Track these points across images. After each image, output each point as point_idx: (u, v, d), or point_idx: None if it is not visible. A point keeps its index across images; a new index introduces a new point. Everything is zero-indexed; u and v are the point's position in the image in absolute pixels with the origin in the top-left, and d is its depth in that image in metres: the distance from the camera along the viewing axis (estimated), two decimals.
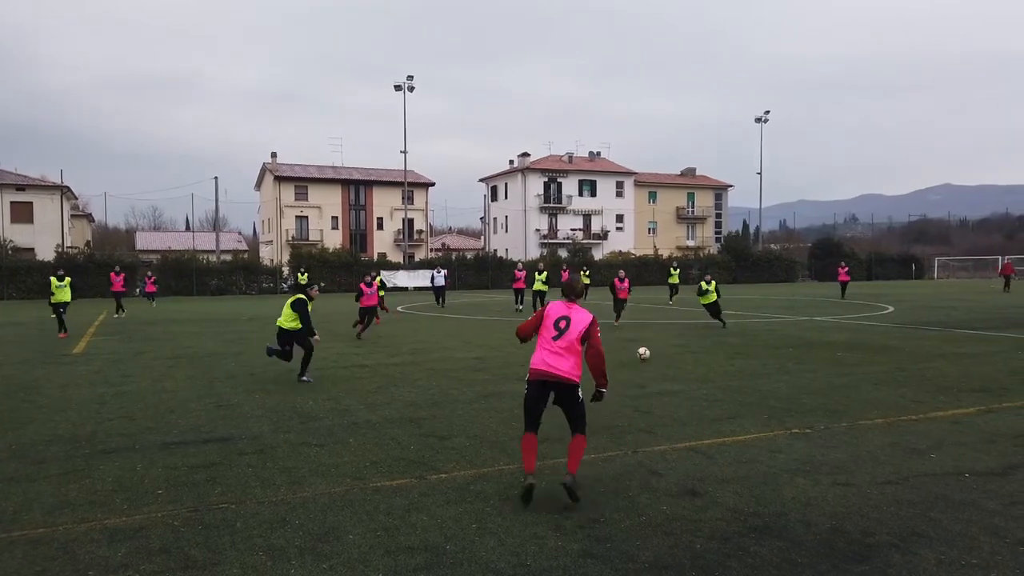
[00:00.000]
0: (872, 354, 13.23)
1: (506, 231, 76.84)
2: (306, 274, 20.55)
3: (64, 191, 60.76)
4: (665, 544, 4.41)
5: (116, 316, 25.38)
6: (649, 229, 78.71)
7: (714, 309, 18.52)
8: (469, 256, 62.57)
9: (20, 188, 58.65)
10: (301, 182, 70.48)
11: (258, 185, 78.76)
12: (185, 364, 12.89)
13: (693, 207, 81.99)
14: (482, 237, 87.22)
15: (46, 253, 50.33)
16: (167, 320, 24.09)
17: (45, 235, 56.07)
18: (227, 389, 10.23)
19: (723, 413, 8.20)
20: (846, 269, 35.03)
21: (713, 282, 18.62)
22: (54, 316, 19.42)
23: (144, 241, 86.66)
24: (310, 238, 67.81)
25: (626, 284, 20.21)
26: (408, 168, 58.05)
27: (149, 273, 33.88)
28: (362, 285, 17.50)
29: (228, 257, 58.02)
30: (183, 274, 47.51)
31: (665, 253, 66.08)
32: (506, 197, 77.34)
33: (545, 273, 24.03)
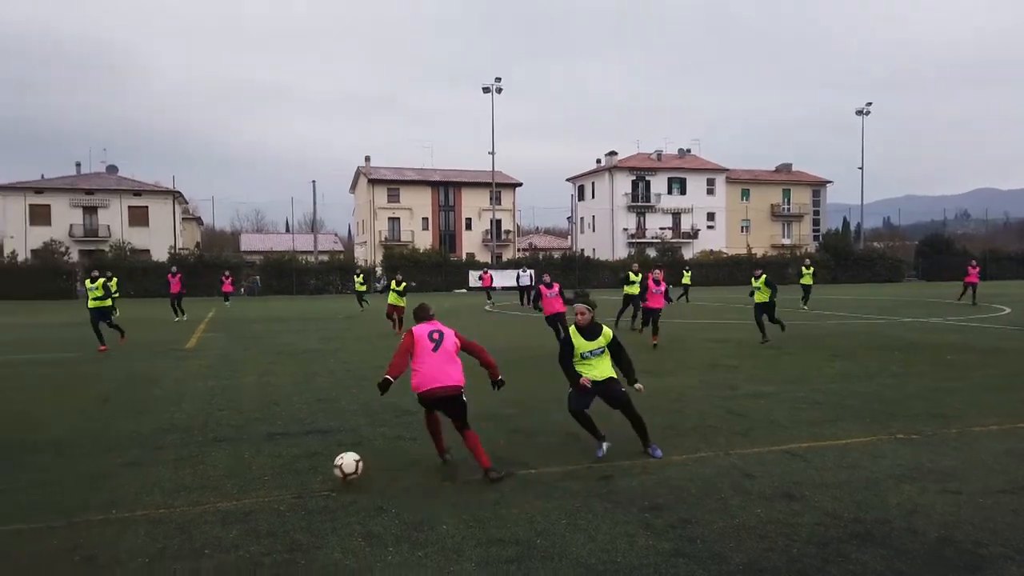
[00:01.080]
0: (986, 357, 12.43)
1: (593, 230, 76.43)
2: (403, 284, 19.20)
3: (176, 196, 64.72)
4: (759, 547, 4.32)
5: (176, 319, 23.74)
6: (742, 227, 76.51)
7: (769, 310, 15.35)
8: (556, 256, 62.66)
9: (137, 193, 62.90)
10: (393, 185, 72.39)
11: (353, 188, 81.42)
12: (287, 360, 13.51)
13: (789, 204, 79.14)
14: (569, 237, 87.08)
15: (160, 254, 53.76)
16: (269, 318, 25.27)
17: (159, 237, 59.88)
18: (326, 384, 10.66)
19: (821, 416, 7.92)
20: (977, 270, 27.64)
21: (763, 276, 15.80)
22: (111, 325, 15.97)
23: (248, 243, 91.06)
24: (401, 239, 69.56)
25: (662, 288, 15.54)
26: (496, 169, 58.65)
27: (226, 273, 35.19)
28: (541, 287, 15.00)
29: (325, 258, 60.32)
30: (284, 274, 49.72)
31: (759, 252, 64.08)
32: (593, 196, 76.93)
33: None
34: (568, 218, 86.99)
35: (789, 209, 79.09)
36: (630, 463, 6.11)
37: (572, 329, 6.23)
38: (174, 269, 25.00)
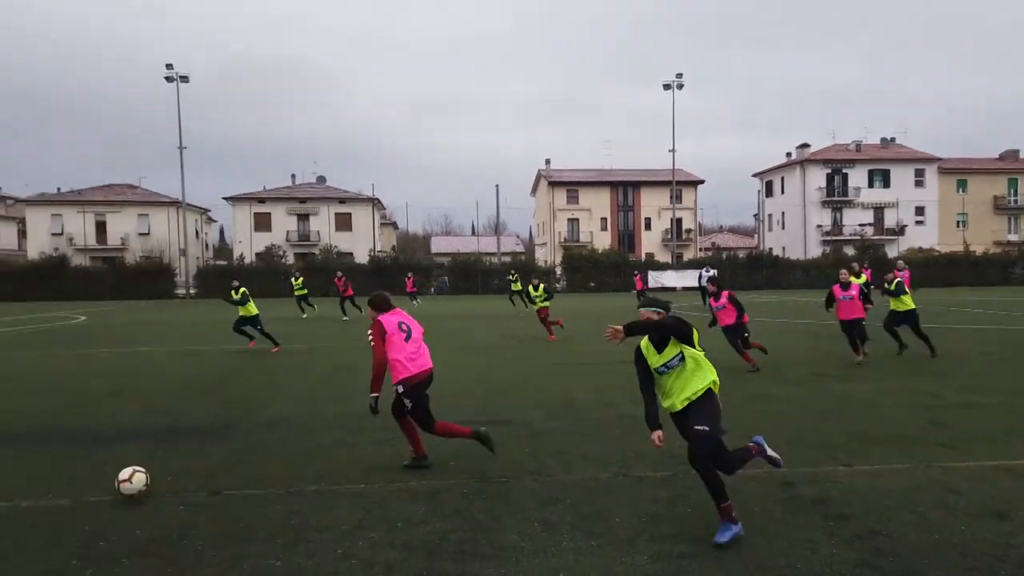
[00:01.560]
0: None
1: (783, 228, 72.34)
2: (540, 286, 18.43)
3: (375, 203, 70.06)
4: (961, 565, 3.98)
5: (345, 319, 23.85)
6: (958, 222, 68.73)
7: (911, 320, 12.47)
8: (741, 255, 60.11)
9: (342, 201, 68.84)
10: (572, 186, 73.23)
11: (533, 191, 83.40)
12: (470, 354, 14.23)
13: (1016, 195, 69.92)
14: (756, 235, 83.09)
15: (362, 256, 58.40)
16: (455, 316, 26.64)
17: (360, 241, 65.10)
18: (505, 377, 11.13)
19: None
20: None
21: (905, 272, 12.98)
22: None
23: (437, 245, 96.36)
24: (580, 239, 70.16)
25: (853, 292, 11.91)
26: (676, 167, 57.41)
27: (409, 274, 37.19)
28: (711, 301, 12.06)
29: (507, 259, 62.38)
30: (469, 274, 52.11)
31: (978, 249, 57.27)
32: (783, 192, 72.81)
33: (542, 287, 18.27)
34: (755, 215, 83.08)
35: (1016, 201, 69.88)
36: (813, 470, 5.84)
37: (644, 341, 4.79)
38: (339, 274, 26.67)
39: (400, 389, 6.02)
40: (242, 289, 16.05)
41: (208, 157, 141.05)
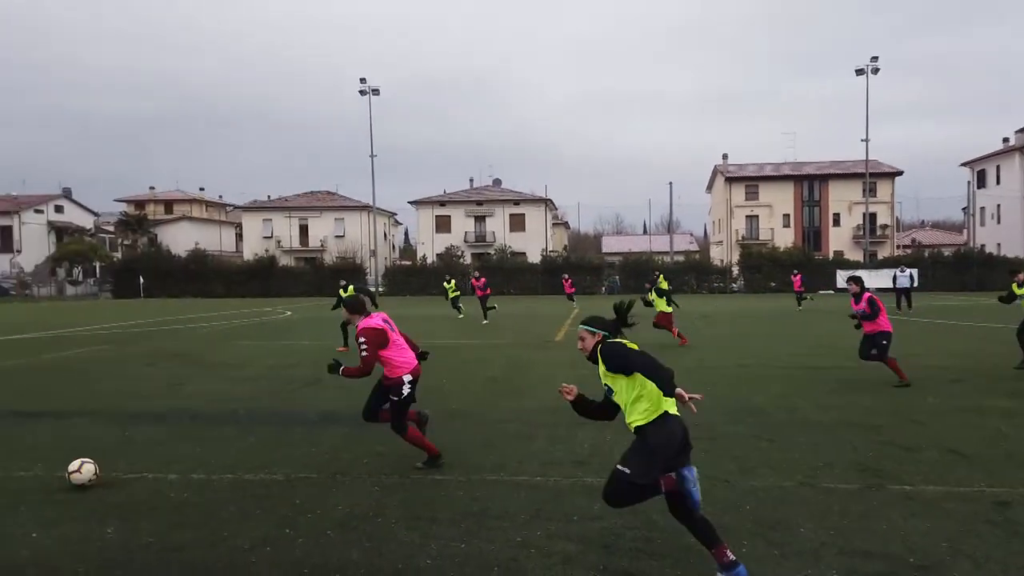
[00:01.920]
0: None
1: (997, 222, 64.40)
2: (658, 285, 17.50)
3: (547, 203, 71.26)
4: None
5: (484, 322, 23.31)
6: None
7: None
8: (947, 253, 54.37)
9: (516, 203, 70.71)
10: (751, 181, 69.98)
11: (709, 187, 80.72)
12: None
13: None
14: (964, 231, 74.73)
15: (534, 256, 59.63)
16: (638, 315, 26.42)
17: (533, 241, 66.48)
18: (682, 379, 10.89)
19: None
20: None
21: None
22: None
23: (608, 245, 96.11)
24: (760, 237, 66.89)
25: (864, 304, 10.27)
26: (870, 158, 53.01)
27: (565, 275, 37.09)
28: (852, 303, 10.59)
29: (681, 258, 60.90)
30: (641, 274, 51.40)
31: None
32: (998, 182, 64.80)
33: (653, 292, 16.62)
34: (963, 209, 74.74)
35: None
36: (1010, 491, 5.20)
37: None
38: (476, 274, 26.35)
39: (409, 379, 6.07)
40: (351, 288, 16.23)
41: (395, 164, 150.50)
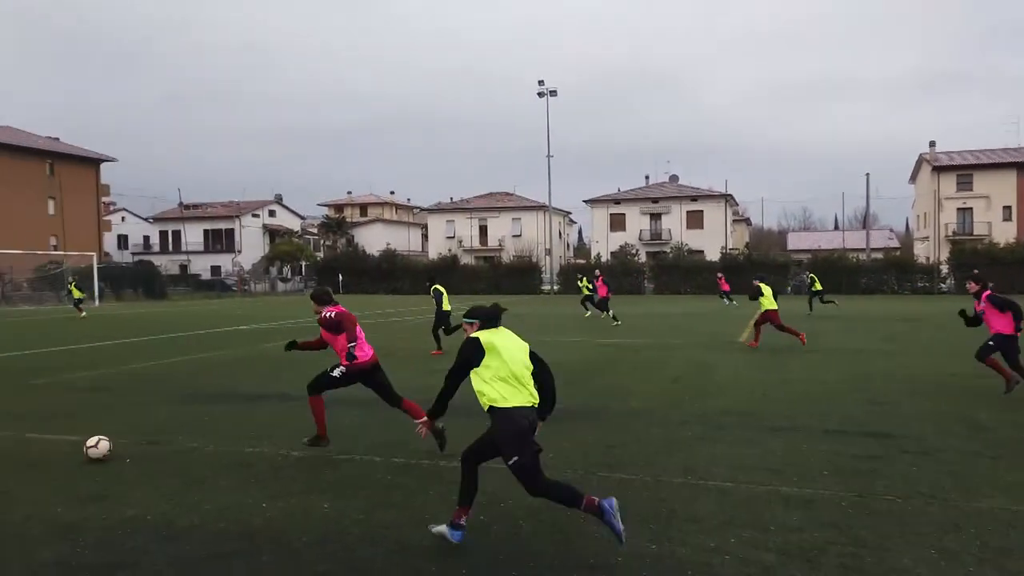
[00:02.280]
0: None
1: None
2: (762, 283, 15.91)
3: (727, 199, 68.57)
4: None
5: (615, 323, 21.67)
6: None
7: None
8: None
9: (693, 199, 68.73)
10: (964, 170, 62.82)
11: (912, 178, 73.56)
12: (838, 359, 13.16)
13: None
14: None
15: (713, 254, 57.65)
16: (823, 316, 24.79)
17: (711, 238, 64.27)
18: (882, 387, 10.07)
19: None
20: None
21: None
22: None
23: (794, 241, 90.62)
24: (975, 232, 59.90)
25: (985, 302, 9.24)
26: None
27: (720, 274, 34.86)
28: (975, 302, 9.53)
29: (879, 255, 56.04)
30: (831, 272, 47.95)
31: None
32: None
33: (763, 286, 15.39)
34: None
35: None
36: None
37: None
38: (597, 272, 25.41)
39: (344, 369, 6.70)
40: (434, 287, 15.95)
41: (570, 163, 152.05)
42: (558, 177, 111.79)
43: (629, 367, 12.64)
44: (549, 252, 61.26)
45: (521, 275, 55.19)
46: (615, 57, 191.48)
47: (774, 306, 15.13)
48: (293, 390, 10.25)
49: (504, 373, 4.39)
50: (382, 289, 57.49)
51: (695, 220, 67.81)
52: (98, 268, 44.22)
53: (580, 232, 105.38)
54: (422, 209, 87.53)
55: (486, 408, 4.39)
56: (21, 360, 14.44)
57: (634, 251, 58.90)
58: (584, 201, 72.42)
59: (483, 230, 74.90)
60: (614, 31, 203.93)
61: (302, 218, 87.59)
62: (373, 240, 75.97)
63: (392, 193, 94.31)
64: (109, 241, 71.88)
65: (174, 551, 4.37)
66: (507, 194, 78.73)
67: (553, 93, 52.93)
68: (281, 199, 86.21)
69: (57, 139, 64.84)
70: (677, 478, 5.78)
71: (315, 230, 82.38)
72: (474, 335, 4.59)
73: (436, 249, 71.33)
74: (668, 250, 59.27)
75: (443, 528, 4.45)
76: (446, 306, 15.16)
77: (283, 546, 4.43)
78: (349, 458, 6.51)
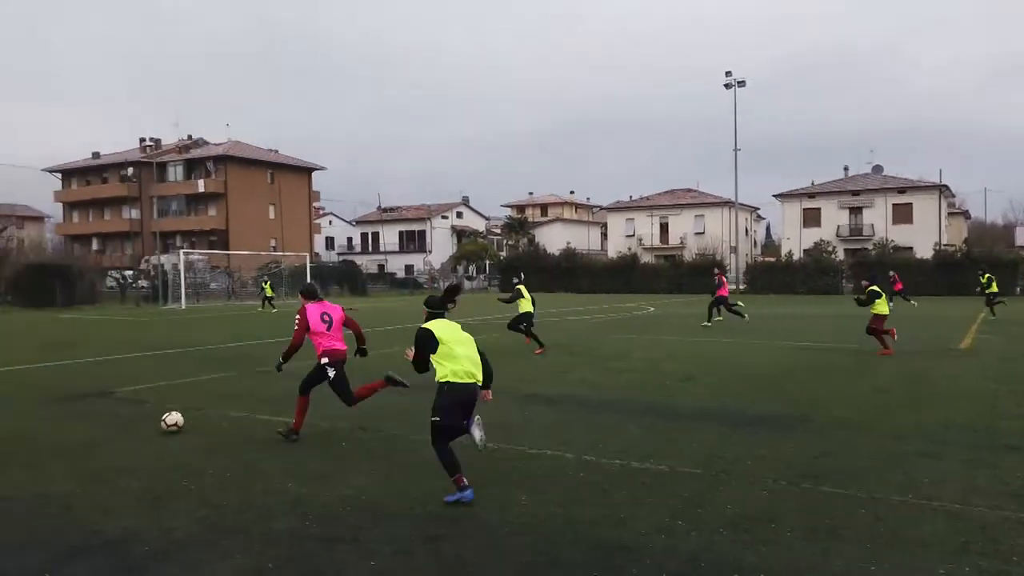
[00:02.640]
0: None
1: None
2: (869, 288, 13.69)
3: (942, 190, 61.80)
4: None
5: (704, 324, 20.75)
6: None
7: None
8: None
9: (901, 191, 62.72)
10: None
11: None
12: None
13: None
14: None
15: (924, 251, 52.25)
16: None
17: (922, 234, 58.25)
18: None
19: None
20: None
21: None
22: None
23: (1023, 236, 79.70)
24: None
25: None
26: None
27: (891, 272, 30.45)
28: None
29: None
30: None
31: None
32: None
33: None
34: None
35: None
36: None
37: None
38: (716, 271, 23.55)
39: (326, 360, 7.13)
40: (519, 285, 15.71)
41: (758, 156, 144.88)
42: (745, 171, 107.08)
43: (825, 372, 11.79)
44: (735, 250, 58.73)
45: (704, 274, 53.34)
46: (809, 40, 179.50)
47: (886, 311, 14.23)
48: None
49: (449, 355, 5.40)
50: (561, 287, 58.22)
51: (903, 214, 61.82)
52: (310, 267, 48.90)
53: (768, 229, 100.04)
54: (601, 208, 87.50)
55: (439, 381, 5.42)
56: (252, 349, 16.26)
57: (830, 248, 54.83)
58: (774, 196, 68.60)
59: (664, 228, 73.40)
60: (807, 8, 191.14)
61: (486, 219, 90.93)
62: (553, 239, 77.13)
63: (572, 193, 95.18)
64: (318, 242, 79.14)
65: (388, 530, 4.70)
66: (689, 190, 76.55)
67: (741, 83, 50.63)
68: (468, 201, 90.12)
69: (276, 151, 72.40)
70: (895, 496, 5.30)
71: (498, 230, 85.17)
72: (427, 326, 5.51)
73: (615, 248, 70.95)
74: (870, 246, 54.57)
75: (456, 496, 5.21)
76: (525, 308, 15.49)
77: (486, 534, 4.62)
78: (540, 453, 6.64)
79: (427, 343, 5.39)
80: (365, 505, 5.21)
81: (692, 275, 53.35)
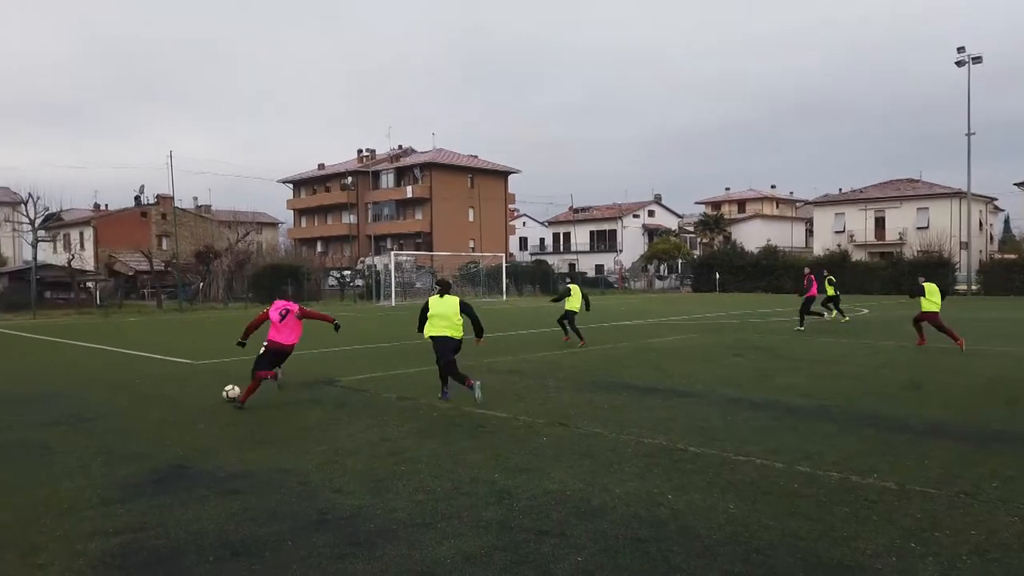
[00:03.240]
0: None
1: None
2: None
3: None
4: None
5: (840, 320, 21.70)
6: None
7: None
8: None
9: None
10: None
11: None
12: None
13: None
14: None
15: None
16: None
17: None
18: None
19: None
20: None
21: None
22: None
23: None
24: None
25: None
26: None
27: None
28: None
29: None
30: None
31: None
32: None
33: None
34: None
35: None
36: None
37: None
38: (807, 270, 22.02)
39: (266, 345, 9.09)
40: (569, 285, 16.75)
41: (995, 142, 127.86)
42: (980, 158, 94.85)
43: None
44: (966, 246, 52.28)
45: (928, 273, 48.06)
46: None
47: (935, 308, 14.75)
48: (680, 385, 10.41)
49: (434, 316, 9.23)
50: (760, 287, 55.29)
51: None
52: (505, 267, 50.67)
53: (1007, 222, 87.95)
54: (806, 202, 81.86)
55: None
56: None
57: None
58: (1016, 184, 60.21)
59: (879, 222, 67.02)
60: None
61: (679, 216, 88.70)
62: (752, 236, 73.45)
63: (773, 187, 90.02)
64: (512, 243, 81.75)
65: (592, 527, 4.72)
66: (911, 181, 69.27)
67: (976, 60, 44.97)
68: (660, 199, 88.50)
69: (476, 156, 75.84)
70: None
71: (692, 228, 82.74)
72: (430, 299, 9.37)
73: (822, 244, 66.03)
74: None
75: (476, 390, 8.88)
76: (570, 306, 16.28)
77: (693, 540, 4.48)
78: (748, 460, 6.33)
79: (423, 311, 9.36)
80: (569, 500, 5.27)
81: (913, 274, 48.25)
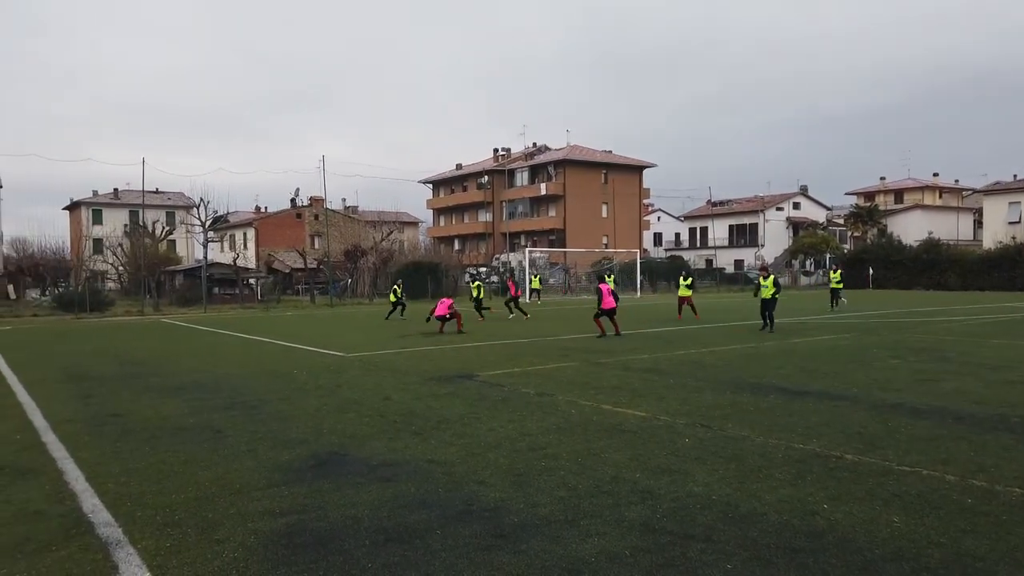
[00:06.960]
0: None
1: None
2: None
3: None
4: None
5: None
6: None
7: None
8: None
9: None
10: None
11: None
12: None
13: None
14: None
15: None
16: None
17: None
18: None
19: None
20: None
21: None
22: None
23: None
24: None
25: None
26: None
27: None
28: None
29: None
30: None
31: None
32: None
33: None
34: None
35: None
36: None
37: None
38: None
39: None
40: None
41: None
42: None
43: None
44: None
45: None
46: None
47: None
48: (832, 388, 9.81)
49: None
50: (920, 283, 51.09)
51: None
52: (639, 263, 49.91)
53: None
54: (975, 191, 74.70)
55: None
56: (587, 342, 17.08)
57: None
58: None
59: None
60: None
61: (828, 209, 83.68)
62: (910, 229, 68.00)
63: (935, 175, 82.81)
64: (647, 239, 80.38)
65: (741, 533, 4.54)
66: None
67: None
68: (806, 190, 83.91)
69: (610, 151, 75.23)
70: None
71: (841, 220, 77.77)
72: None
73: (993, 237, 59.99)
74: None
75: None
76: (764, 294, 18.73)
77: (853, 554, 4.20)
78: (912, 471, 5.86)
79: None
80: (715, 505, 5.11)
81: None
